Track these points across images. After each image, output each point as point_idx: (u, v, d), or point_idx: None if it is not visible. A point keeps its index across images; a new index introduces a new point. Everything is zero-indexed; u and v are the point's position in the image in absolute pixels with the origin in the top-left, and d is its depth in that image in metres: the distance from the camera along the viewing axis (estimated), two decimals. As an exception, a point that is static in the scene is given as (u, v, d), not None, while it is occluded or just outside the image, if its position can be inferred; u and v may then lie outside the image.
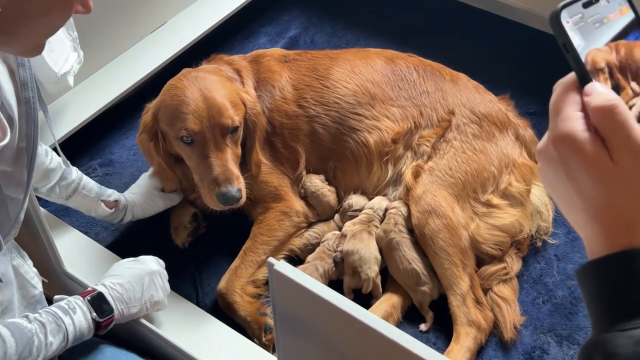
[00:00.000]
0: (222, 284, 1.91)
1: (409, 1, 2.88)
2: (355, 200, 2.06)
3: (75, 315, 1.43)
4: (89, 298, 1.50)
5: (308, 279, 1.02)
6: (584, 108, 0.71)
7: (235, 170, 1.82)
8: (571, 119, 0.70)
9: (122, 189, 2.22)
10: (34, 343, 1.31)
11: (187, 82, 1.88)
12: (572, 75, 0.75)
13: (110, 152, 2.36)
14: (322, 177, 2.08)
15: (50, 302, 1.59)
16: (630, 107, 0.74)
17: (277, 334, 1.16)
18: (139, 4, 2.41)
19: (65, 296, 1.48)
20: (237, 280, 1.91)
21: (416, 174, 1.99)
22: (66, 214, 2.17)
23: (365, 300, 1.93)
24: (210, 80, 1.89)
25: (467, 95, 2.08)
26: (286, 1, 2.90)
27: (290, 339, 1.15)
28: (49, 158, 1.82)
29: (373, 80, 2.08)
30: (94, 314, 1.48)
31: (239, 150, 1.88)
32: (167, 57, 2.41)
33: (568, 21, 0.73)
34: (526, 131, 2.09)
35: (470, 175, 1.95)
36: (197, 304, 1.94)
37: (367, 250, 1.93)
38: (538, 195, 2.04)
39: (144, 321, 1.61)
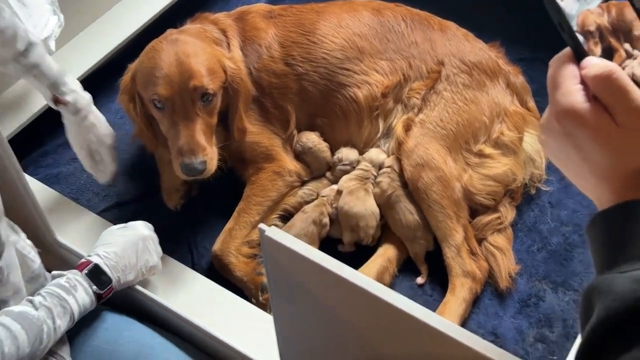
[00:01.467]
0: (216, 246, 1.91)
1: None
2: (345, 153, 2.04)
3: (78, 293, 1.43)
4: (86, 271, 1.50)
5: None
6: (582, 81, 0.73)
7: (202, 141, 1.78)
8: (571, 92, 0.72)
9: None
10: (43, 331, 1.31)
11: (166, 45, 1.84)
12: (566, 49, 0.76)
13: None
14: (317, 133, 2.06)
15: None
16: (624, 68, 0.75)
17: (272, 299, 1.16)
18: (118, -37, 2.35)
19: (63, 272, 1.47)
20: (232, 242, 1.91)
21: (407, 127, 1.97)
22: (55, 182, 2.15)
23: (363, 251, 1.93)
24: (190, 44, 1.85)
25: (457, 44, 2.05)
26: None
27: (284, 303, 1.15)
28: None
29: (360, 34, 2.05)
30: (94, 287, 1.48)
31: (214, 120, 1.85)
32: (150, 16, 2.36)
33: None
34: (517, 78, 2.07)
35: (462, 125, 1.94)
36: (193, 266, 1.94)
37: (363, 207, 1.93)
38: (530, 142, 2.02)
39: (139, 288, 1.61)
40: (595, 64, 0.73)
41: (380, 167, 2.00)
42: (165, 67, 1.79)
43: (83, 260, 1.56)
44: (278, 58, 2.03)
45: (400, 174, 1.95)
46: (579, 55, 0.75)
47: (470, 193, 1.92)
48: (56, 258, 1.74)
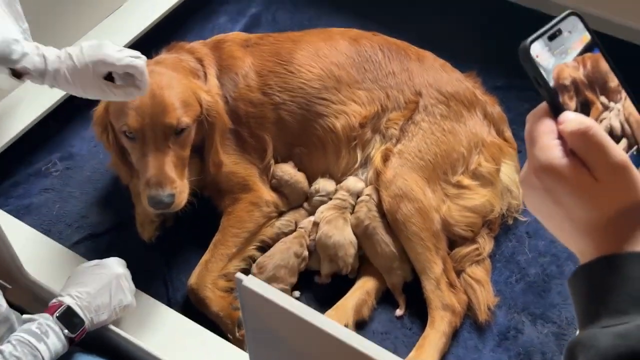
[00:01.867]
0: (192, 279, 1.87)
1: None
2: (322, 184, 2.02)
3: (49, 339, 1.39)
4: (58, 314, 1.45)
5: (277, 293, 1.00)
6: (560, 135, 0.73)
7: (171, 173, 1.75)
8: (548, 147, 0.72)
9: (84, 182, 2.18)
10: None
11: None
12: (542, 104, 0.76)
13: (70, 144, 2.29)
14: (291, 163, 2.04)
15: (17, 309, 1.54)
16: (601, 121, 0.76)
17: (248, 343, 1.14)
18: (92, -12, 2.32)
19: (34, 317, 1.43)
20: (208, 275, 1.88)
21: (385, 158, 1.96)
22: (27, 213, 2.10)
23: (341, 282, 1.91)
24: (165, 76, 1.82)
25: (434, 74, 2.04)
26: (246, -22, 2.82)
27: (261, 348, 1.13)
28: None
29: (338, 63, 2.04)
30: (66, 330, 1.44)
31: (186, 152, 1.82)
32: (124, 43, 2.32)
33: (537, 55, 0.75)
34: (494, 108, 2.07)
35: (440, 156, 1.93)
36: (168, 300, 1.90)
37: (341, 236, 1.91)
38: (508, 173, 2.02)
39: (113, 327, 1.57)
40: (572, 119, 0.73)
41: (358, 195, 1.99)
42: (139, 98, 1.76)
43: (54, 301, 1.52)
44: (255, 87, 2.01)
45: (379, 204, 1.93)
46: (555, 109, 0.75)
47: (449, 224, 1.91)
48: (27, 294, 1.70)
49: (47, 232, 2.04)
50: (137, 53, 1.57)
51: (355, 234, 1.93)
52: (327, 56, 2.05)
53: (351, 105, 2.01)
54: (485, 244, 1.95)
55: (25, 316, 1.44)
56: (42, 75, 1.50)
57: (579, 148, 0.71)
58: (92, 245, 2.02)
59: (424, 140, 1.95)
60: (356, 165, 2.02)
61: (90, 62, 1.50)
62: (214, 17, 2.69)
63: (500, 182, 2.00)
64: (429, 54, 2.13)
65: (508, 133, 2.09)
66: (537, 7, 2.59)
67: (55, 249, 1.91)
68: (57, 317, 1.45)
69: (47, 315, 1.45)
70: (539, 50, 0.76)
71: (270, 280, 1.87)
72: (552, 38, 0.76)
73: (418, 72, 2.04)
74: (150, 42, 2.11)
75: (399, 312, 1.89)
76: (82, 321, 1.49)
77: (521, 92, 2.39)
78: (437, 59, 2.12)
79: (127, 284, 1.64)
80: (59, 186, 2.17)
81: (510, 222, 2.05)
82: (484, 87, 2.14)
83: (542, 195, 0.74)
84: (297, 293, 1.91)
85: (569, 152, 0.72)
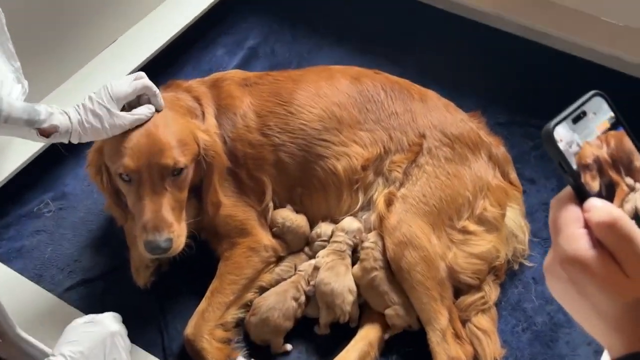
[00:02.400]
0: (189, 329, 1.80)
1: (369, 4, 2.76)
2: (324, 229, 1.96)
3: None
4: None
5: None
6: (586, 224, 0.69)
7: (168, 217, 1.68)
8: (575, 237, 0.69)
9: (77, 224, 2.11)
10: None
11: None
12: (567, 190, 0.73)
13: (63, 183, 2.22)
14: (289, 207, 1.98)
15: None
16: (627, 203, 0.73)
17: None
18: (84, 23, 2.26)
19: None
20: (205, 325, 1.81)
21: (389, 202, 1.90)
22: (18, 256, 2.03)
23: (342, 331, 1.85)
24: (161, 116, 1.76)
25: (438, 115, 1.99)
26: (243, 9, 2.77)
27: None
28: None
29: (339, 103, 1.98)
30: None
31: (184, 194, 1.75)
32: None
33: (561, 139, 0.72)
34: (498, 149, 2.02)
35: (445, 201, 1.87)
36: (163, 350, 1.84)
37: (340, 284, 1.85)
38: (513, 218, 1.97)
39: (107, 388, 1.50)
40: (599, 208, 0.69)
41: (354, 235, 1.93)
42: (135, 138, 1.70)
43: (46, 361, 1.45)
44: (254, 128, 1.96)
45: (382, 250, 1.88)
46: (580, 195, 0.71)
47: (455, 272, 1.84)
48: (17, 350, 1.63)
49: (38, 277, 1.98)
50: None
51: (357, 283, 1.87)
52: (328, 96, 1.99)
53: (353, 147, 1.95)
54: (491, 291, 1.89)
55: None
56: (69, 131, 1.61)
57: (607, 240, 0.68)
58: (85, 292, 1.95)
59: (429, 184, 1.89)
60: (357, 208, 1.97)
61: (106, 102, 1.63)
62: (211, 48, 2.64)
63: (506, 227, 1.95)
64: (432, 94, 2.08)
65: (513, 175, 2.04)
66: (539, 40, 2.56)
67: (47, 299, 1.85)
68: None
69: (37, 379, 1.38)
70: (562, 134, 0.72)
71: (263, 323, 1.81)
72: (576, 120, 0.73)
73: (421, 113, 1.99)
74: (147, 74, 2.03)
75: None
76: (75, 385, 1.42)
77: (524, 128, 2.34)
78: (440, 99, 2.07)
79: (122, 342, 1.57)
80: (51, 228, 2.10)
81: (516, 267, 1.99)
82: (486, 122, 2.09)
83: (568, 287, 0.70)
84: (288, 346, 1.84)
85: (596, 242, 0.68)
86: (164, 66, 2.45)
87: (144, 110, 1.72)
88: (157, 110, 1.75)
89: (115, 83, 1.67)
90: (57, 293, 1.93)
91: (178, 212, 1.74)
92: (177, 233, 1.71)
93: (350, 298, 1.84)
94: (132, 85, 1.68)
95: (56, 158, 2.24)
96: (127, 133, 1.71)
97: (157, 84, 1.99)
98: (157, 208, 1.68)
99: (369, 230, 1.94)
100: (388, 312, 1.83)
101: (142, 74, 1.74)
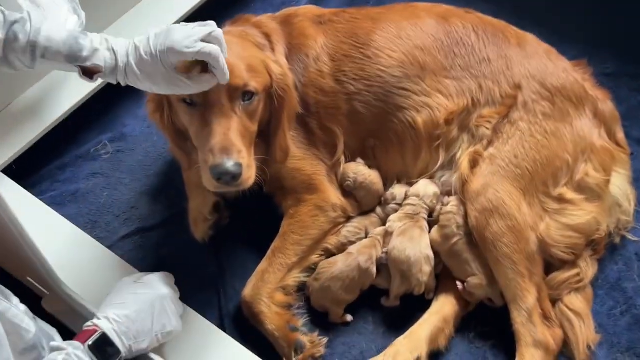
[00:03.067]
0: (247, 291, 1.66)
1: None
2: (399, 191, 1.78)
3: None
4: (90, 343, 1.27)
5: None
6: None
7: (237, 141, 1.48)
8: None
9: (135, 168, 1.99)
10: None
11: None
12: None
13: (122, 124, 2.10)
14: (361, 161, 1.79)
15: (50, 318, 1.37)
16: None
17: None
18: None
19: (62, 346, 1.25)
20: (264, 287, 1.66)
21: (474, 163, 1.69)
22: (73, 200, 1.94)
23: (414, 303, 1.68)
24: (231, 42, 1.54)
25: (537, 63, 1.74)
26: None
27: None
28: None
29: (423, 47, 1.75)
30: None
31: (254, 126, 1.56)
32: (181, 14, 2.09)
33: None
34: (605, 105, 1.76)
35: (540, 164, 1.65)
36: (219, 311, 1.71)
37: (416, 250, 1.66)
38: (619, 185, 1.73)
39: (154, 356, 1.38)
40: None
41: (431, 200, 1.72)
42: None
43: (89, 325, 1.33)
44: (327, 73, 1.75)
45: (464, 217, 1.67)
46: None
47: (547, 245, 1.63)
48: (63, 306, 1.53)
49: (93, 223, 1.88)
50: (210, 26, 1.37)
51: (435, 250, 1.68)
52: (411, 38, 1.76)
53: (436, 97, 1.73)
54: (588, 268, 1.68)
55: (53, 344, 1.27)
56: (114, 72, 1.36)
57: None
58: (140, 242, 1.84)
59: (522, 144, 1.66)
60: (436, 167, 1.76)
61: (159, 53, 1.33)
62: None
63: (610, 195, 1.71)
64: (531, 37, 1.81)
65: (620, 135, 1.78)
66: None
67: (99, 251, 1.73)
68: (89, 347, 1.27)
69: (77, 344, 1.27)
70: None
71: (324, 291, 1.65)
72: None
73: (518, 60, 1.74)
74: (211, 13, 1.84)
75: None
76: (118, 351, 1.31)
77: (634, 80, 2.06)
78: (540, 44, 1.81)
79: (173, 306, 1.44)
80: (108, 171, 1.99)
81: (618, 241, 1.76)
82: (591, 73, 1.82)
83: None
84: (349, 317, 1.68)
85: None
86: (230, 3, 2.25)
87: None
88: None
89: (179, 34, 1.34)
90: (111, 241, 1.83)
91: (248, 143, 1.54)
92: (247, 162, 1.50)
93: (428, 268, 1.66)
94: (195, 48, 1.33)
95: (115, 96, 2.11)
96: None
97: (224, 19, 1.82)
98: (225, 131, 1.48)
99: (449, 194, 1.74)
100: (472, 280, 1.64)
101: (213, 25, 1.40)
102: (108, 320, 1.33)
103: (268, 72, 1.60)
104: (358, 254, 1.68)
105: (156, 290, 1.42)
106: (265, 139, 1.68)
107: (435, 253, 1.69)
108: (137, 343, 1.35)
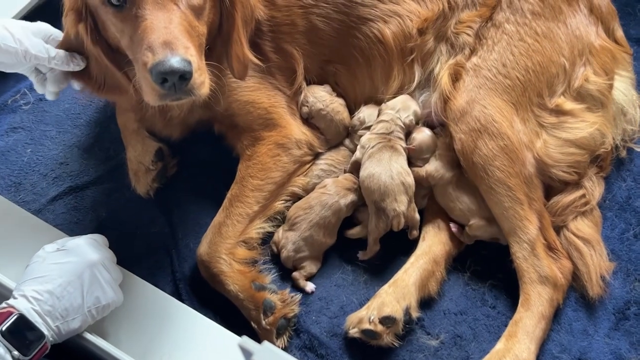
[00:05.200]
0: (202, 248, 1.44)
1: None
2: (368, 113, 1.56)
3: None
4: (3, 329, 1.02)
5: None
6: None
7: (182, 36, 1.21)
8: None
9: (62, 118, 1.77)
10: None
11: None
12: None
13: None
14: (327, 87, 1.55)
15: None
16: None
17: None
18: None
19: None
20: (223, 242, 1.44)
21: (455, 77, 1.48)
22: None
23: (400, 242, 1.46)
24: None
25: None
26: None
27: None
28: None
29: None
30: (16, 352, 1.02)
31: (203, 27, 1.30)
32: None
33: None
34: None
35: (533, 72, 1.44)
36: (172, 273, 1.46)
37: (388, 175, 1.42)
38: (622, 89, 1.54)
39: (90, 336, 1.14)
40: None
41: (408, 116, 1.49)
42: None
43: (2, 307, 1.08)
44: (277, -18, 1.49)
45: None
46: None
47: (546, 165, 1.44)
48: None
49: (17, 185, 1.62)
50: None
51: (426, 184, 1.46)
52: None
53: (405, 4, 1.53)
54: (594, 188, 1.50)
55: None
56: None
57: None
58: (72, 203, 1.59)
59: (510, 50, 1.45)
60: (413, 87, 1.54)
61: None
62: None
63: (613, 101, 1.51)
64: None
65: (619, 32, 1.58)
66: None
67: (22, 217, 1.46)
68: (2, 333, 1.02)
69: (-12, 329, 1.02)
70: None
71: (302, 243, 1.43)
72: None
73: None
74: None
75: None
76: (41, 335, 1.07)
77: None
78: None
79: (107, 274, 1.19)
80: (30, 123, 1.73)
81: (624, 154, 1.57)
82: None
83: None
84: (310, 286, 1.44)
85: None
86: None
87: None
88: None
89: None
90: (39, 205, 1.59)
91: (197, 44, 1.26)
92: (197, 62, 1.23)
93: (404, 198, 1.42)
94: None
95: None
96: None
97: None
98: (165, 25, 1.21)
99: (429, 116, 1.49)
100: (474, 223, 1.43)
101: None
102: (26, 299, 1.09)
103: None
104: (338, 196, 1.45)
105: (84, 256, 1.17)
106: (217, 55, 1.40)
107: (419, 184, 1.46)
108: (66, 323, 1.11)
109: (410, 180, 1.45)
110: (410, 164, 1.48)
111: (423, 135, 1.48)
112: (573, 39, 1.46)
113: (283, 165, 1.49)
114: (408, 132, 1.51)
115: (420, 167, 1.48)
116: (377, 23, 1.50)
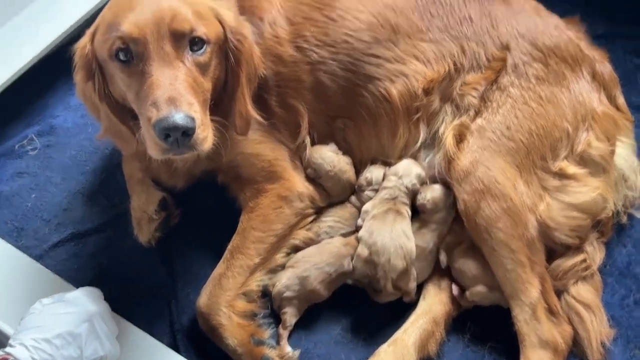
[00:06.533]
0: (202, 299, 1.43)
1: None
2: (376, 173, 1.56)
3: None
4: None
5: None
6: None
7: (186, 93, 1.24)
8: None
9: (68, 165, 1.78)
10: None
11: None
12: None
13: (52, 115, 1.86)
14: (332, 146, 1.57)
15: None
16: None
17: None
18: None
19: None
20: (223, 294, 1.43)
21: (460, 137, 1.50)
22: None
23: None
24: None
25: (526, 21, 1.55)
26: None
27: None
28: None
29: (394, 6, 1.56)
30: None
31: (208, 83, 1.33)
32: (81, 15, 1.84)
33: None
34: (604, 66, 1.58)
35: (536, 135, 1.46)
36: (171, 325, 1.46)
37: (386, 236, 1.43)
38: (624, 155, 1.55)
39: (85, 389, 1.12)
40: None
41: (411, 181, 1.50)
42: (137, 7, 1.28)
43: (0, 354, 1.07)
44: (285, 39, 1.52)
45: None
46: None
47: (548, 228, 1.44)
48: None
49: (19, 230, 1.63)
50: None
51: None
52: (381, -4, 1.54)
53: (412, 64, 1.53)
54: (595, 253, 1.50)
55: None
56: None
57: None
58: (74, 250, 1.60)
59: (514, 113, 1.47)
60: (417, 146, 1.55)
61: None
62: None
63: (615, 167, 1.52)
64: (515, -7, 1.60)
65: (621, 99, 1.61)
66: None
67: (23, 263, 1.47)
68: None
69: (-18, 382, 1.01)
70: None
71: (296, 282, 1.43)
72: None
73: (504, 18, 1.55)
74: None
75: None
76: (37, 385, 1.05)
77: (630, 41, 1.89)
78: (528, 0, 1.59)
79: (105, 326, 1.19)
80: (36, 169, 1.75)
81: (625, 220, 1.57)
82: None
83: None
84: (288, 350, 1.40)
85: None
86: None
87: None
88: None
89: None
90: (40, 250, 1.59)
91: (201, 101, 1.29)
92: (201, 118, 1.26)
93: (400, 263, 1.42)
94: None
95: (43, 82, 1.87)
96: (126, 5, 1.29)
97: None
98: (171, 81, 1.25)
99: (434, 176, 1.51)
100: (476, 289, 1.43)
101: None
102: (25, 348, 1.09)
103: (220, 21, 1.36)
104: (344, 254, 1.46)
105: (83, 308, 1.17)
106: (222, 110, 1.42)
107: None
108: (63, 374, 1.09)
109: (410, 245, 1.45)
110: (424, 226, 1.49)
111: (434, 192, 1.49)
112: (576, 104, 1.48)
113: (285, 218, 1.50)
114: (414, 195, 1.52)
115: (434, 229, 1.48)
116: (383, 82, 1.52)
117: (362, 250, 1.44)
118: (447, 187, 1.49)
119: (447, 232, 1.49)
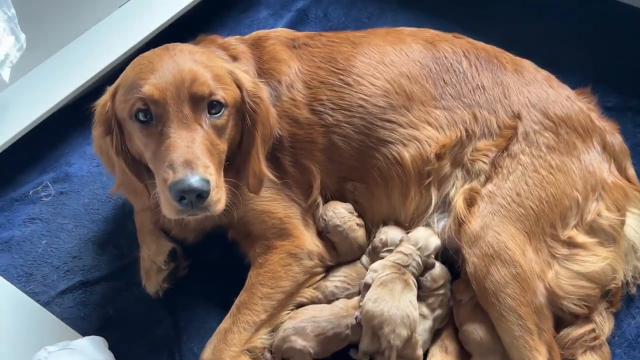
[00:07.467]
0: (206, 353, 1.43)
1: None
2: (392, 235, 1.56)
3: None
4: None
5: None
6: None
7: (203, 155, 1.28)
8: None
9: (80, 212, 1.79)
10: None
11: (161, 52, 1.40)
12: None
13: (67, 162, 1.89)
14: (349, 206, 1.58)
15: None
16: None
17: None
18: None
19: None
20: (227, 350, 1.43)
21: (470, 202, 1.51)
22: (6, 249, 1.71)
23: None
24: (193, 52, 1.40)
25: (537, 91, 1.57)
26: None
27: None
28: None
29: (409, 74, 1.58)
30: None
31: (224, 145, 1.37)
32: (139, 39, 1.90)
33: None
34: (614, 137, 1.61)
35: (546, 203, 1.47)
36: (174, 380, 1.44)
37: (393, 306, 1.42)
38: (634, 226, 1.56)
39: None
40: None
41: (429, 254, 1.50)
42: (158, 69, 1.33)
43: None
44: (302, 102, 1.55)
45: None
46: None
47: (557, 296, 1.44)
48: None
49: (28, 275, 1.64)
50: None
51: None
52: (395, 64, 1.59)
53: (425, 130, 1.55)
54: (604, 323, 1.49)
55: None
56: None
57: None
58: (81, 298, 1.60)
59: (525, 180, 1.48)
60: (430, 210, 1.56)
61: None
62: (252, 10, 2.26)
63: (625, 238, 1.53)
64: (528, 63, 1.67)
65: (631, 170, 1.62)
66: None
67: (31, 309, 1.47)
68: None
69: None
70: None
71: (293, 333, 1.42)
72: None
73: (516, 87, 1.57)
74: (172, 38, 1.63)
75: None
76: None
77: (639, 115, 1.88)
78: (539, 70, 1.66)
79: (110, 376, 1.17)
80: (48, 215, 1.77)
81: (634, 291, 1.56)
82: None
83: None
84: None
85: None
86: (194, 29, 2.05)
87: None
88: None
89: None
90: (48, 297, 1.60)
91: (216, 163, 1.33)
92: (215, 181, 1.29)
93: (404, 332, 1.40)
94: None
95: (60, 130, 1.91)
96: (149, 66, 1.34)
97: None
98: (187, 144, 1.29)
99: (443, 241, 1.51)
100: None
101: None
102: (27, 397, 1.07)
103: (237, 84, 1.41)
104: (343, 315, 1.44)
105: (87, 356, 1.17)
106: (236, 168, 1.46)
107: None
108: None
109: (415, 314, 1.44)
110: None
111: (434, 269, 1.50)
112: (586, 174, 1.49)
113: (294, 275, 1.50)
114: (425, 267, 1.51)
115: (433, 304, 1.48)
116: (396, 146, 1.54)
117: (368, 321, 1.42)
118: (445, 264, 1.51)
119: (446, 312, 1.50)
